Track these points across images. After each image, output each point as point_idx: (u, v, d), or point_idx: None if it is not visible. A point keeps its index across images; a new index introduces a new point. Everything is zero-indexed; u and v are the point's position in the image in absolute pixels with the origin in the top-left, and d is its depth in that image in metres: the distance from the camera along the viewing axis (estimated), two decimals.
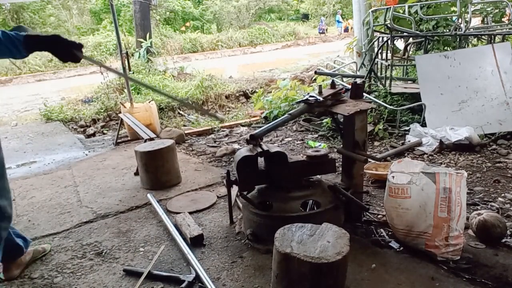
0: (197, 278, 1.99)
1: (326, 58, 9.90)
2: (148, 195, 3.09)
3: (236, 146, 4.39)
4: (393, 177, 2.14)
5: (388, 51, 5.46)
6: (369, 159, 2.67)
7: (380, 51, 5.45)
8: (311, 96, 2.42)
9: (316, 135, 4.60)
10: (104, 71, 7.56)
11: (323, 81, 6.14)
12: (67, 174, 3.87)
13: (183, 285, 1.95)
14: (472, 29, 5.19)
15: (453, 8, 5.59)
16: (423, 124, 4.09)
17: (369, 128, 4.19)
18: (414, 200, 2.04)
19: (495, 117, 3.89)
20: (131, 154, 4.10)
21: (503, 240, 2.16)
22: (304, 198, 2.29)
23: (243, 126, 5.39)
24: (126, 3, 18.76)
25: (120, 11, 18.59)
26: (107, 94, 7.14)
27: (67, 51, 1.94)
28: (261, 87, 8.06)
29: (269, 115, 5.45)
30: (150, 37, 10.88)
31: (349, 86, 2.76)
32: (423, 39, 5.23)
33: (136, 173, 3.60)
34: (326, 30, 22.70)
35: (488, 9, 5.76)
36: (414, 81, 5.06)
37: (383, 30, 5.62)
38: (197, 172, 3.66)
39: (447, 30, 5.36)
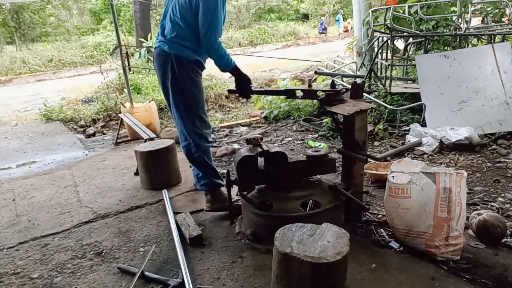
0: (183, 283, 1.97)
1: (326, 58, 9.87)
2: (163, 191, 3.11)
3: (236, 146, 4.39)
4: (393, 177, 2.14)
5: (388, 51, 5.46)
6: (369, 159, 2.67)
7: (380, 51, 5.46)
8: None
9: (316, 135, 4.60)
10: (104, 71, 7.57)
11: (323, 81, 6.14)
12: (67, 174, 3.87)
13: None
14: (472, 29, 5.19)
15: (453, 8, 5.59)
16: (423, 124, 4.09)
17: (369, 128, 4.19)
18: (414, 200, 2.04)
19: (495, 117, 3.89)
20: (131, 154, 4.10)
21: (503, 240, 2.16)
22: (304, 198, 2.29)
23: (243, 126, 5.39)
24: (126, 3, 18.76)
25: (120, 11, 18.59)
26: (107, 94, 7.13)
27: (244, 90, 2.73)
28: (261, 87, 8.06)
29: (269, 114, 5.46)
30: (151, 37, 10.87)
31: (349, 86, 2.76)
32: (423, 39, 5.23)
33: (136, 173, 3.60)
34: (326, 29, 22.69)
35: (488, 9, 5.77)
36: (414, 81, 5.06)
37: (383, 30, 5.62)
38: None
39: (447, 30, 5.36)
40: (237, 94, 2.84)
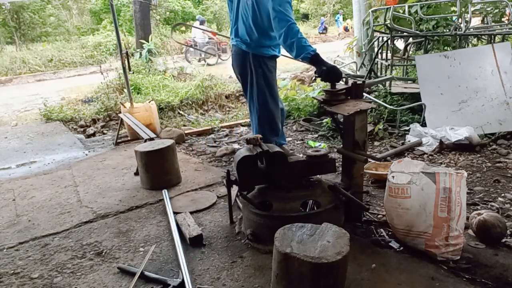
0: (183, 283, 1.97)
1: (326, 58, 9.88)
2: (163, 191, 3.13)
3: (236, 146, 4.39)
4: (393, 177, 2.14)
5: (388, 51, 5.46)
6: (369, 159, 2.67)
7: (380, 51, 5.46)
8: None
9: (316, 135, 4.60)
10: (104, 71, 7.57)
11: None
12: (67, 174, 3.87)
13: None
14: (472, 29, 5.20)
15: (453, 8, 5.60)
16: (423, 124, 4.09)
17: (369, 128, 4.19)
18: (414, 200, 2.04)
19: (495, 117, 3.89)
20: (131, 154, 4.10)
21: (503, 240, 2.16)
22: (304, 198, 2.29)
23: (243, 126, 5.39)
24: (126, 3, 18.76)
25: (120, 11, 18.59)
26: (107, 94, 7.13)
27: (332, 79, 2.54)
28: None
29: None
30: (151, 39, 10.87)
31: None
32: (423, 39, 5.23)
33: (136, 173, 3.60)
34: (326, 29, 22.70)
35: (488, 9, 5.77)
36: (414, 81, 5.07)
37: (383, 30, 5.63)
38: (197, 172, 3.66)
39: (447, 30, 5.36)
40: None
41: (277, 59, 3.27)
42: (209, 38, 13.55)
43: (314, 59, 2.64)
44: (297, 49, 2.63)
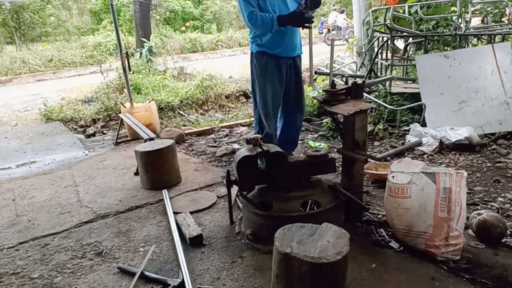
0: (183, 283, 1.97)
1: (326, 58, 9.87)
2: (163, 191, 3.13)
3: (236, 146, 4.39)
4: (393, 177, 2.14)
5: (388, 51, 5.46)
6: (369, 159, 2.67)
7: (380, 51, 5.46)
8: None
9: (316, 135, 4.60)
10: (104, 71, 7.56)
11: (323, 81, 6.14)
12: (67, 174, 3.87)
13: None
14: (472, 29, 5.19)
15: (453, 8, 5.59)
16: (423, 124, 4.09)
17: (369, 128, 4.19)
18: (414, 200, 2.04)
19: (495, 117, 3.89)
20: (131, 154, 4.10)
21: (503, 240, 2.16)
22: (304, 198, 2.29)
23: (243, 126, 5.39)
24: (126, 3, 18.74)
25: (120, 11, 18.57)
26: (107, 94, 7.13)
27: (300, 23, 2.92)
28: None
29: None
30: (151, 38, 10.88)
31: None
32: (423, 39, 5.23)
33: (136, 173, 3.60)
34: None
35: (488, 9, 5.77)
36: (414, 81, 5.06)
37: (383, 30, 5.62)
38: (197, 172, 3.66)
39: (447, 30, 5.36)
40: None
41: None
42: (347, 23, 17.15)
43: (282, 22, 2.87)
44: (265, 29, 2.93)
